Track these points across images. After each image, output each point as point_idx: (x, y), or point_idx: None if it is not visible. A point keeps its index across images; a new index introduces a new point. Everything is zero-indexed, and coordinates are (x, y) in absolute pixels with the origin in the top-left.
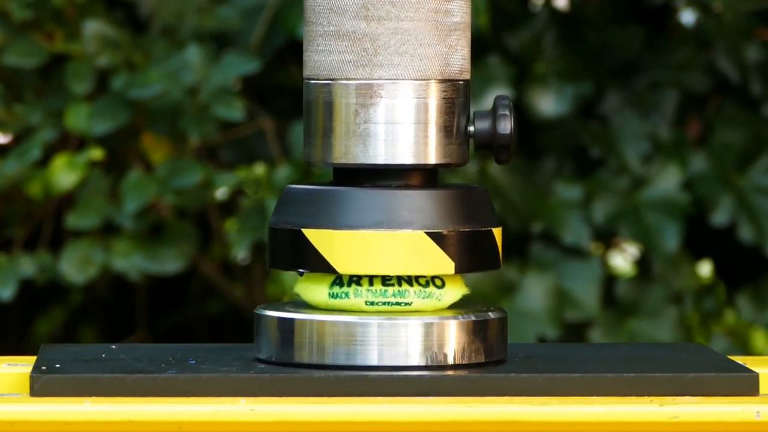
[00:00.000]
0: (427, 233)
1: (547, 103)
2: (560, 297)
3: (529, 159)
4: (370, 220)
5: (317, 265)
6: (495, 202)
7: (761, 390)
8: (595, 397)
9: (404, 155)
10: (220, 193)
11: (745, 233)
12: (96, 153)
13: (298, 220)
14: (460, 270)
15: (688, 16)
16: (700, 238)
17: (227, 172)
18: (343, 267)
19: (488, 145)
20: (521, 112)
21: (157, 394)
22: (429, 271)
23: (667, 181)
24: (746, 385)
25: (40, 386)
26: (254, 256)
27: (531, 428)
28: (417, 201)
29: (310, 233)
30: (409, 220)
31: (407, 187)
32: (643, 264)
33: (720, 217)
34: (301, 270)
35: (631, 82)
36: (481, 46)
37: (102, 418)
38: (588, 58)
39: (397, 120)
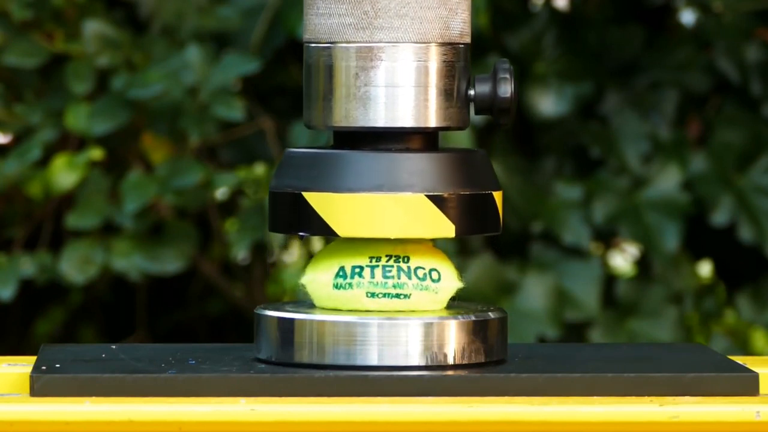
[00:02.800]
0: (427, 196)
1: (547, 103)
2: (560, 297)
3: (529, 159)
4: (371, 183)
5: (317, 228)
6: None
7: (761, 390)
8: (595, 397)
9: (404, 118)
10: (220, 193)
11: (745, 233)
12: (96, 153)
13: (299, 184)
14: (460, 233)
15: (688, 16)
16: (700, 238)
17: (227, 172)
18: (343, 230)
19: (488, 109)
20: (521, 112)
21: (157, 394)
22: (429, 234)
23: (667, 181)
24: (746, 385)
25: (40, 386)
26: (254, 256)
27: (531, 428)
28: (417, 164)
29: (310, 196)
30: (409, 183)
31: (407, 150)
32: (643, 264)
33: (720, 217)
34: (301, 233)
35: (631, 82)
36: (481, 46)
37: (102, 418)
38: (588, 58)
39: (398, 83)
